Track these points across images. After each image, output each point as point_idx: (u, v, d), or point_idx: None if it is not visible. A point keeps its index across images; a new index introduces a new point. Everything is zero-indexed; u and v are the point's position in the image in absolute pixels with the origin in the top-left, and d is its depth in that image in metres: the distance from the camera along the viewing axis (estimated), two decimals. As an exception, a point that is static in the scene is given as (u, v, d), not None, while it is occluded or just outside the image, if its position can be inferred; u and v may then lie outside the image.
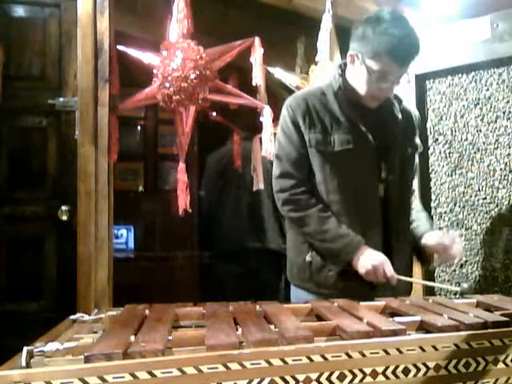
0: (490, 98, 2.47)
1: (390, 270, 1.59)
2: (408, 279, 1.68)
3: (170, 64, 2.28)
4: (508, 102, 2.42)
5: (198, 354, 0.94)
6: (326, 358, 0.97)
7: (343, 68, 1.74)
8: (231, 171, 2.97)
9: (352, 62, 1.66)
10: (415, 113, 1.88)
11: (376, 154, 1.68)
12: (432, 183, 2.63)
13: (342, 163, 1.65)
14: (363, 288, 1.62)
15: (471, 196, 2.51)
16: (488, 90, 2.47)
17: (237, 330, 1.07)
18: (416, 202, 1.90)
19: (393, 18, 1.58)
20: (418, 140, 1.84)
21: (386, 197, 1.70)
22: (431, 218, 2.59)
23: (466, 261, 2.52)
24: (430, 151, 2.64)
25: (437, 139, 2.61)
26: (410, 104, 1.92)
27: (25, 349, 0.93)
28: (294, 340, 0.99)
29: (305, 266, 1.73)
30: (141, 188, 4.39)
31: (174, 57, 2.28)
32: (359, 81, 1.65)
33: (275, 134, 2.47)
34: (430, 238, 1.72)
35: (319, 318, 1.27)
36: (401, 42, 1.55)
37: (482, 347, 1.07)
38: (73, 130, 2.29)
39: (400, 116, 1.75)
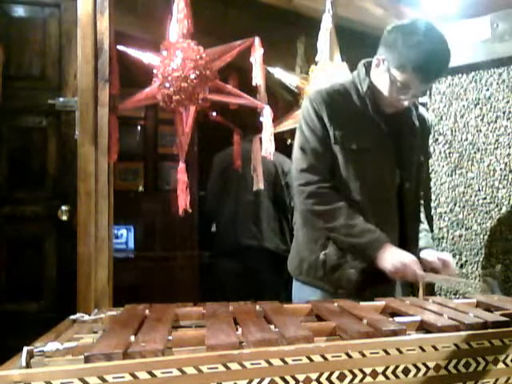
0: (490, 98, 2.47)
1: (420, 268, 1.57)
2: (438, 277, 1.65)
3: (170, 64, 2.28)
4: (508, 101, 2.42)
5: (198, 353, 0.94)
6: (326, 358, 0.97)
7: (367, 68, 1.70)
8: (233, 171, 2.98)
9: (377, 65, 1.63)
10: (430, 119, 1.85)
11: (394, 159, 1.68)
12: (432, 183, 2.63)
13: (364, 164, 1.64)
14: (381, 288, 1.62)
15: (471, 196, 2.51)
16: (488, 90, 2.47)
17: (237, 330, 1.07)
18: (422, 214, 1.87)
19: (426, 32, 1.52)
20: (428, 149, 1.85)
21: (400, 203, 1.69)
22: (431, 218, 2.60)
23: (466, 261, 2.52)
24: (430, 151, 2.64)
25: (437, 139, 2.61)
26: (425, 110, 1.90)
27: (25, 349, 0.93)
28: (293, 340, 0.99)
29: (317, 264, 1.71)
30: (141, 188, 4.40)
31: (174, 57, 2.28)
32: (382, 85, 1.63)
33: (275, 134, 2.49)
34: (425, 255, 1.71)
35: (319, 318, 1.27)
36: (429, 60, 1.50)
37: (482, 347, 1.07)
38: (73, 130, 2.29)
39: (416, 123, 1.73)
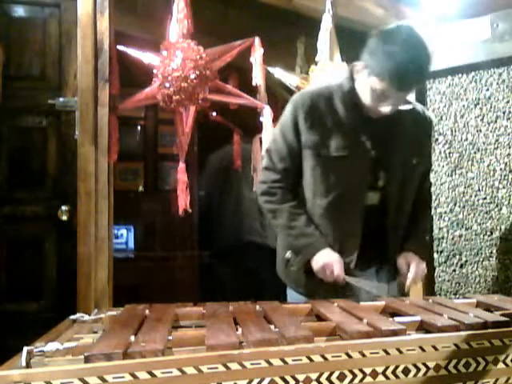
0: (490, 98, 2.47)
1: (338, 269, 1.58)
2: (353, 281, 1.64)
3: (170, 64, 2.28)
4: (508, 101, 2.42)
5: (198, 353, 0.95)
6: (326, 358, 0.97)
7: (353, 71, 1.69)
8: (233, 169, 2.98)
9: (358, 71, 1.62)
10: (430, 118, 1.81)
11: (374, 163, 1.65)
12: (432, 183, 2.63)
13: (334, 169, 1.64)
14: (331, 289, 1.61)
15: (471, 196, 2.51)
16: (488, 90, 2.47)
17: (237, 330, 1.07)
18: (417, 213, 1.81)
19: (404, 41, 1.49)
20: (428, 151, 1.80)
21: (383, 205, 1.68)
22: (431, 218, 2.60)
23: (466, 261, 2.52)
24: (430, 151, 2.64)
25: (437, 139, 2.61)
26: (425, 109, 1.84)
27: (25, 349, 0.93)
28: (294, 340, 0.99)
29: (284, 263, 1.75)
30: (141, 188, 4.39)
31: (174, 57, 2.29)
32: (363, 91, 1.61)
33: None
34: (400, 256, 1.70)
35: (319, 318, 1.27)
36: (405, 70, 1.47)
37: (482, 347, 1.07)
38: (73, 130, 2.29)
39: (406, 125, 1.70)
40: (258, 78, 2.44)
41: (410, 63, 1.47)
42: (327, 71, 2.59)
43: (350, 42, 2.76)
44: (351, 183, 1.64)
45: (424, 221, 1.87)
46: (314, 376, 0.96)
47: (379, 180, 1.68)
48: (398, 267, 1.68)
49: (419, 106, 1.80)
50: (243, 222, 3.18)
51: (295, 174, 1.69)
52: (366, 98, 1.60)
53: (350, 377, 0.98)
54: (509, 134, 2.42)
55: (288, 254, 1.73)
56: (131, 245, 4.20)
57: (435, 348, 1.04)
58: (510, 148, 2.41)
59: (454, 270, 2.56)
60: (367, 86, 1.58)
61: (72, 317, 1.28)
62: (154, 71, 2.31)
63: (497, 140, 2.45)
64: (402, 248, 1.72)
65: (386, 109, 1.58)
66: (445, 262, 2.59)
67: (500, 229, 2.42)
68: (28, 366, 0.91)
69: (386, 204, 1.68)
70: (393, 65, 1.48)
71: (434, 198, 2.62)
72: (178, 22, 2.34)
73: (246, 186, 3.02)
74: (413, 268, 1.64)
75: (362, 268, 1.68)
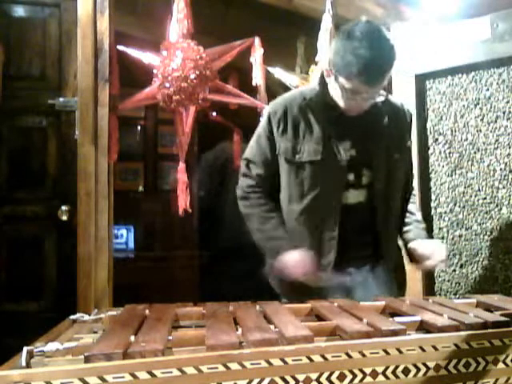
0: (490, 98, 2.47)
1: (304, 266, 1.58)
2: (327, 277, 1.63)
3: (170, 64, 2.28)
4: (508, 102, 2.42)
5: (198, 353, 0.94)
6: (326, 358, 0.97)
7: (324, 74, 1.70)
8: (231, 167, 2.98)
9: (328, 75, 1.63)
10: (407, 111, 1.81)
11: (354, 162, 1.65)
12: (432, 183, 2.63)
13: (308, 174, 1.65)
14: (305, 289, 1.60)
15: (471, 196, 2.51)
16: (488, 90, 2.47)
17: (237, 330, 1.07)
18: (412, 206, 1.85)
19: (363, 36, 1.49)
20: (409, 142, 1.80)
21: (370, 203, 1.69)
22: (431, 218, 2.60)
23: (466, 261, 2.52)
24: (430, 151, 2.64)
25: (437, 139, 2.61)
26: (406, 103, 1.86)
27: (25, 349, 0.93)
28: (293, 340, 0.99)
29: (267, 268, 1.77)
30: (141, 188, 4.39)
31: (174, 57, 2.29)
32: (336, 94, 1.62)
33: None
34: (414, 246, 1.71)
35: (319, 317, 1.27)
36: (369, 64, 1.47)
37: (482, 347, 1.07)
38: (73, 130, 2.29)
39: (386, 120, 1.71)
40: (258, 78, 2.44)
41: (374, 57, 1.48)
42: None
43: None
44: (326, 186, 1.65)
45: (418, 212, 1.87)
46: (314, 376, 0.96)
47: (363, 177, 1.68)
48: (415, 254, 1.68)
49: (396, 100, 1.80)
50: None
51: (270, 180, 1.72)
52: (338, 98, 1.61)
53: (349, 377, 0.98)
54: (509, 134, 2.42)
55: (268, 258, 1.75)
56: (131, 245, 4.19)
57: (435, 348, 1.04)
58: (510, 148, 2.41)
59: (454, 270, 2.56)
60: (337, 88, 1.59)
61: (72, 317, 1.28)
62: (154, 71, 2.31)
63: (497, 140, 2.45)
64: (407, 239, 1.75)
65: (359, 106, 1.60)
66: (445, 261, 2.58)
67: (500, 229, 2.42)
68: (28, 366, 0.91)
69: (373, 201, 1.69)
70: (355, 61, 1.48)
71: (433, 197, 2.63)
72: (178, 22, 2.34)
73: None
74: (433, 249, 1.65)
75: (347, 267, 1.66)
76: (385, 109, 1.71)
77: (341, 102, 1.62)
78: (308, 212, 1.67)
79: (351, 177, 1.67)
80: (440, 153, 2.61)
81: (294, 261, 1.60)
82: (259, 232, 1.71)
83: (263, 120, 1.75)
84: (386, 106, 1.71)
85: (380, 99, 1.65)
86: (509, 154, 2.41)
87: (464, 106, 2.54)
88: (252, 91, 2.46)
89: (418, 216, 1.85)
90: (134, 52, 2.36)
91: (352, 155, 1.65)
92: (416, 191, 2.01)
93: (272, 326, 1.10)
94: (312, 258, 1.60)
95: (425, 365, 1.03)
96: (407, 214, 1.82)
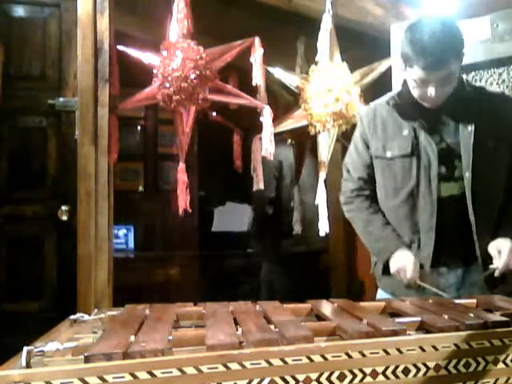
0: (490, 98, 2.46)
1: (410, 272, 1.62)
2: (425, 286, 1.64)
3: (170, 64, 2.28)
4: (508, 101, 2.42)
5: (198, 353, 0.94)
6: (326, 358, 0.97)
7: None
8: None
9: (402, 69, 1.67)
10: (508, 99, 1.79)
11: (445, 154, 1.66)
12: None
13: (400, 168, 1.69)
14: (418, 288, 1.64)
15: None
16: (488, 90, 2.47)
17: (237, 330, 1.07)
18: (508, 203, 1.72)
19: (423, 25, 1.57)
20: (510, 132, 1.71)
21: (463, 195, 1.65)
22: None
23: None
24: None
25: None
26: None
27: (25, 349, 0.93)
28: (293, 340, 0.99)
29: (373, 265, 1.82)
30: (141, 188, 4.40)
31: (174, 57, 2.29)
32: (412, 87, 1.65)
33: (275, 134, 2.49)
34: (494, 243, 1.64)
35: (319, 317, 1.27)
36: (426, 49, 1.52)
37: (482, 347, 1.07)
38: (73, 130, 2.29)
39: (477, 109, 1.67)
40: (257, 78, 2.44)
41: (429, 41, 1.52)
42: (327, 71, 2.60)
43: (350, 41, 2.77)
44: (418, 180, 1.67)
45: None
46: (313, 376, 0.96)
47: (455, 170, 1.67)
48: (491, 254, 1.63)
49: (495, 89, 1.80)
50: None
51: (370, 181, 1.79)
52: (415, 92, 1.65)
53: (349, 377, 0.98)
54: (509, 134, 2.41)
55: (374, 258, 1.81)
56: (131, 245, 4.20)
57: (435, 348, 1.04)
58: (510, 148, 2.41)
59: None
60: (409, 80, 1.63)
61: (72, 317, 1.27)
62: (154, 71, 2.31)
63: (497, 140, 2.44)
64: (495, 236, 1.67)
65: (433, 97, 1.60)
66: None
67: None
68: (28, 365, 0.91)
69: (466, 194, 1.65)
70: (416, 48, 1.54)
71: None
72: (178, 22, 2.34)
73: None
74: (504, 254, 1.59)
75: (445, 266, 1.67)
76: (476, 98, 1.70)
77: (416, 93, 1.64)
78: (404, 206, 1.70)
79: (443, 169, 1.67)
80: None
81: (410, 264, 1.63)
82: (366, 235, 1.77)
83: (357, 125, 1.84)
84: (478, 95, 1.71)
85: (468, 88, 1.69)
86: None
87: (464, 105, 2.54)
88: (252, 91, 2.46)
89: None
90: (133, 52, 2.36)
91: (442, 147, 1.67)
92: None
93: (272, 326, 1.10)
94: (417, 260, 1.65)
95: (425, 365, 1.03)
96: (504, 214, 1.70)
